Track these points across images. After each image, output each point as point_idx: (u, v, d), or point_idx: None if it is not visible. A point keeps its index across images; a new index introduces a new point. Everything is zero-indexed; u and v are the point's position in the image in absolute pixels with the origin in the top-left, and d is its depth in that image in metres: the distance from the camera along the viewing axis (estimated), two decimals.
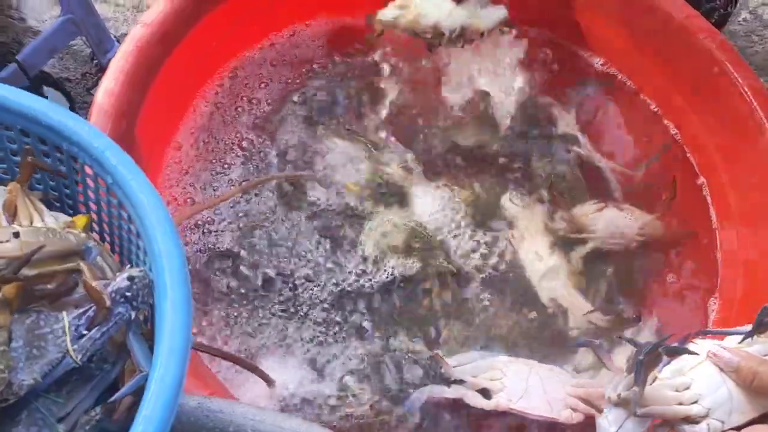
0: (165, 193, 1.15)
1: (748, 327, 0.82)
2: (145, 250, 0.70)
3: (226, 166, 1.20)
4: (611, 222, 1.16)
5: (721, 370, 0.81)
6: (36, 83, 1.50)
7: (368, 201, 1.17)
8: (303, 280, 1.10)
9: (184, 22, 1.18)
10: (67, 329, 0.66)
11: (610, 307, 1.13)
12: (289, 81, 1.30)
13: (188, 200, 1.16)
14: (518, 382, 0.99)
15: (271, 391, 0.99)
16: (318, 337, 1.06)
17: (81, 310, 0.68)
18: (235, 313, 1.07)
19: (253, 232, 1.14)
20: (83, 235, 0.73)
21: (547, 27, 1.37)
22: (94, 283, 0.67)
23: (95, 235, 0.82)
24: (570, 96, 1.33)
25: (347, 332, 1.07)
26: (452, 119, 1.29)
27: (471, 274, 1.13)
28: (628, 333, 1.10)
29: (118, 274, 0.69)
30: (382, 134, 1.26)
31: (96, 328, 0.67)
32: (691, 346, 0.83)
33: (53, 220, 0.77)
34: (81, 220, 0.76)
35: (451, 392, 1.00)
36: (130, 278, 0.67)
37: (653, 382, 0.82)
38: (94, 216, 0.82)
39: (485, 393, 1.00)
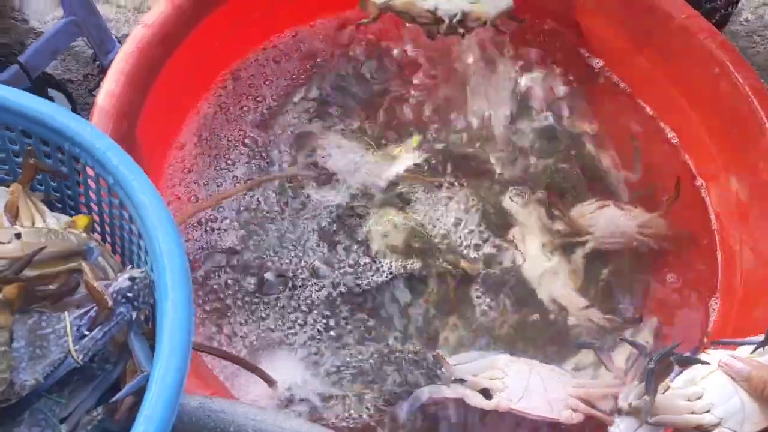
0: (168, 192, 1.16)
1: (761, 337, 0.83)
2: (146, 251, 0.70)
3: (230, 162, 1.21)
4: (611, 221, 1.16)
5: (733, 379, 0.81)
6: (38, 85, 1.50)
7: (369, 200, 1.18)
8: (304, 280, 1.10)
9: (185, 24, 1.18)
10: (68, 329, 0.67)
11: (610, 306, 1.13)
12: (293, 78, 1.31)
13: (192, 197, 1.16)
14: (519, 382, 0.99)
15: (272, 392, 1.00)
16: (319, 336, 1.06)
17: (82, 311, 0.68)
18: (236, 313, 1.07)
19: (255, 230, 1.14)
20: (84, 235, 0.74)
21: (553, 24, 1.37)
22: (95, 284, 0.67)
23: (97, 236, 0.82)
24: (571, 95, 1.33)
25: (348, 332, 1.07)
26: (454, 120, 1.29)
27: (471, 273, 1.13)
28: (628, 333, 1.09)
29: (119, 274, 0.69)
30: (385, 133, 1.26)
31: (98, 328, 0.67)
32: (702, 356, 0.84)
33: (55, 220, 0.77)
34: (82, 220, 0.77)
35: (451, 392, 1.00)
36: (132, 278, 0.68)
37: (665, 391, 0.82)
38: (96, 217, 0.82)
39: (486, 393, 1.00)
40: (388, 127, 1.27)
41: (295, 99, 1.28)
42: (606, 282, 1.15)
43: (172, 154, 1.19)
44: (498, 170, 1.24)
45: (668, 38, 1.25)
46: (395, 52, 1.34)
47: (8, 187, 0.79)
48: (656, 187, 1.24)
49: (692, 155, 1.27)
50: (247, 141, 1.23)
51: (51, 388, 0.68)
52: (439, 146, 1.25)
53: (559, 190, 1.22)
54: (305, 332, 1.06)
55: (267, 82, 1.29)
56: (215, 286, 1.09)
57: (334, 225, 1.15)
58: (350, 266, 1.12)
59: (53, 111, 0.75)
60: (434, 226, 1.17)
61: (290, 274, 1.10)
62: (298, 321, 1.07)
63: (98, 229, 0.84)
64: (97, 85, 1.05)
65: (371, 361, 1.05)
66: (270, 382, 0.99)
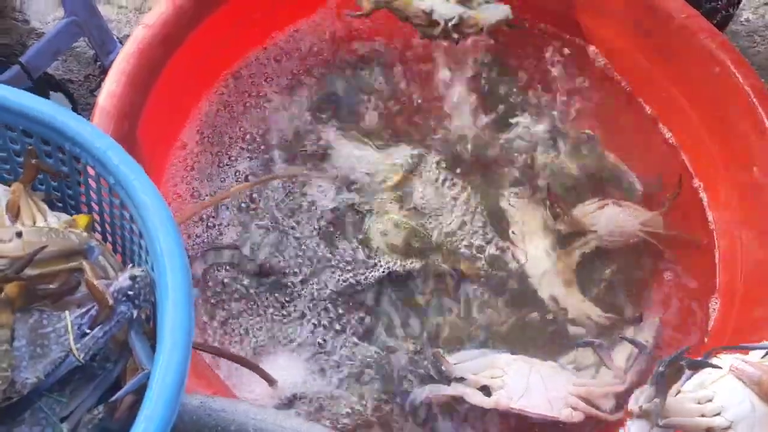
0: (170, 191, 1.16)
1: None
2: (147, 250, 0.71)
3: (232, 159, 1.21)
4: (612, 219, 1.16)
5: (744, 383, 0.82)
6: (39, 85, 1.50)
7: (370, 199, 1.18)
8: (304, 278, 1.10)
9: (186, 24, 1.18)
10: (69, 328, 0.67)
11: (611, 305, 1.13)
12: (294, 76, 1.31)
13: (194, 194, 1.17)
14: (519, 381, 1.00)
15: (272, 391, 1.00)
16: (319, 336, 1.07)
17: (83, 309, 0.68)
18: (237, 312, 1.08)
19: (255, 228, 1.14)
20: (85, 234, 0.74)
21: (551, 23, 1.37)
22: (96, 282, 0.67)
23: (97, 236, 0.82)
24: (571, 95, 1.33)
25: (348, 331, 1.07)
26: (453, 119, 1.29)
27: (471, 272, 1.13)
28: (628, 332, 1.09)
29: (120, 273, 0.69)
30: (385, 132, 1.26)
31: (98, 326, 0.67)
32: (714, 360, 0.85)
33: (56, 220, 0.78)
34: (83, 219, 0.77)
35: (451, 390, 1.01)
36: (132, 277, 0.68)
37: (676, 395, 0.83)
38: (97, 216, 0.82)
39: (486, 391, 1.00)
40: (389, 126, 1.27)
41: (296, 97, 1.28)
42: (607, 281, 1.16)
43: (173, 153, 1.20)
44: (498, 170, 1.23)
45: (668, 38, 1.25)
46: (395, 50, 1.34)
47: (9, 186, 0.79)
48: (656, 186, 1.24)
49: (692, 154, 1.27)
50: (248, 137, 1.23)
51: (52, 387, 0.69)
52: (441, 145, 1.25)
53: (559, 189, 1.22)
54: (305, 331, 1.07)
55: (268, 80, 1.30)
56: (215, 284, 1.10)
57: (334, 223, 1.16)
58: (350, 265, 1.12)
59: (54, 111, 0.75)
60: (434, 226, 1.17)
61: (290, 273, 1.10)
62: (298, 319, 1.07)
63: (99, 229, 0.84)
64: (99, 86, 1.05)
65: (371, 359, 1.05)
66: (270, 381, 0.99)
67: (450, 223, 1.17)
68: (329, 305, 1.09)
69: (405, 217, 1.17)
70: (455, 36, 1.14)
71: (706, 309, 1.15)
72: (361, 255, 1.13)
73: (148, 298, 0.69)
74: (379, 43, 1.33)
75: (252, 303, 1.09)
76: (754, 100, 1.15)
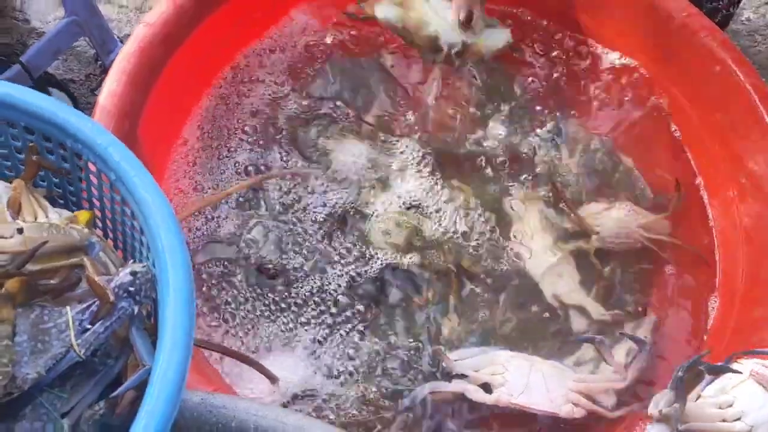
0: (172, 186, 1.16)
1: None
2: (148, 246, 0.71)
3: (231, 150, 1.21)
4: (617, 222, 1.16)
5: (765, 388, 0.82)
6: (40, 84, 1.50)
7: (371, 197, 1.18)
8: (305, 275, 1.10)
9: (186, 23, 1.18)
10: (70, 324, 0.67)
11: (612, 303, 1.13)
12: (292, 71, 1.30)
13: (197, 187, 1.17)
14: (519, 377, 1.00)
15: (273, 388, 1.00)
16: (320, 333, 1.07)
17: (84, 305, 0.68)
18: (236, 307, 1.08)
19: (255, 225, 1.14)
20: (86, 230, 0.74)
21: (555, 22, 1.38)
22: (97, 278, 0.67)
23: (99, 232, 0.82)
24: (572, 95, 1.33)
25: (350, 328, 1.07)
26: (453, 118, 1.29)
27: (473, 270, 1.13)
28: (628, 328, 1.09)
29: (120, 269, 0.69)
30: (385, 128, 1.26)
31: (99, 322, 0.67)
32: (734, 366, 0.85)
33: (57, 216, 0.78)
34: (83, 215, 0.77)
35: (452, 387, 1.01)
36: (133, 273, 0.68)
37: (697, 400, 0.83)
38: (98, 213, 0.82)
39: (486, 388, 1.01)
40: (389, 125, 1.27)
41: (295, 93, 1.28)
42: (608, 280, 1.16)
43: (175, 150, 1.20)
44: (502, 168, 1.24)
45: (670, 36, 1.25)
46: (395, 48, 1.34)
47: (11, 182, 0.79)
48: (659, 188, 1.24)
49: (692, 154, 1.27)
50: (247, 128, 1.23)
51: (53, 382, 0.69)
52: (442, 143, 1.25)
53: (563, 188, 1.21)
54: (306, 328, 1.07)
55: (266, 74, 1.29)
56: (214, 279, 1.10)
57: (335, 221, 1.16)
58: (351, 263, 1.12)
59: (56, 107, 0.75)
60: (436, 224, 1.17)
61: (290, 269, 1.11)
62: (299, 316, 1.07)
63: (100, 225, 0.84)
64: (100, 85, 1.05)
65: (373, 356, 1.05)
66: (272, 378, 0.99)
67: (451, 222, 1.17)
68: (330, 302, 1.09)
69: (407, 216, 1.17)
70: (456, 62, 1.13)
71: (706, 308, 1.15)
72: (362, 253, 1.13)
73: (149, 294, 0.69)
74: (380, 38, 1.33)
75: (252, 299, 1.09)
76: (755, 99, 1.15)
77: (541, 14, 1.37)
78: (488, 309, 1.11)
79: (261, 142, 1.22)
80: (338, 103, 1.28)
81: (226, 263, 1.11)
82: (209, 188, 1.17)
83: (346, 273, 1.11)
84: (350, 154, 1.21)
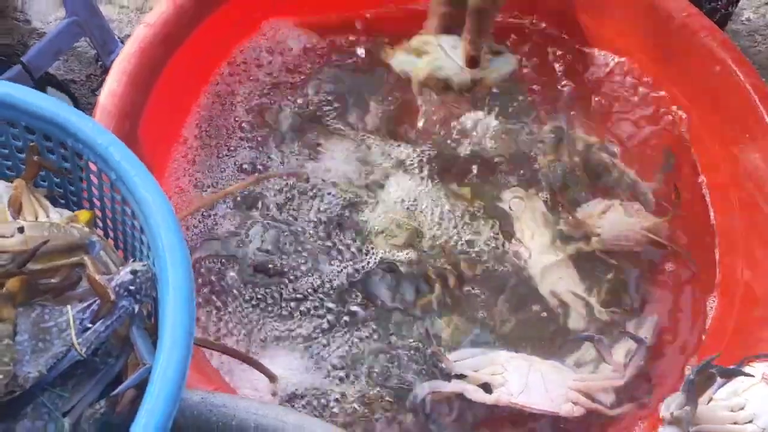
0: (172, 185, 1.16)
1: None
2: (148, 245, 0.71)
3: (231, 149, 1.22)
4: (616, 224, 1.16)
5: None
6: (41, 85, 1.51)
7: (371, 197, 1.18)
8: (303, 274, 1.10)
9: (186, 23, 1.19)
10: (71, 323, 0.67)
11: (611, 303, 1.13)
12: (291, 71, 1.31)
13: (198, 185, 1.17)
14: (519, 377, 1.00)
15: (273, 387, 1.00)
16: (320, 332, 1.07)
17: (85, 304, 0.68)
18: (235, 306, 1.08)
19: (253, 222, 1.14)
20: (87, 229, 0.74)
21: (554, 22, 1.38)
22: (98, 277, 0.67)
23: (99, 231, 0.82)
24: (573, 95, 1.34)
25: (349, 328, 1.08)
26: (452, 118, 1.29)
27: (472, 270, 1.14)
28: (630, 328, 1.10)
29: (121, 268, 0.70)
30: (383, 129, 1.26)
31: (100, 321, 0.67)
32: (746, 369, 0.85)
33: (58, 215, 0.78)
34: (84, 215, 0.77)
35: (452, 387, 1.01)
36: (134, 272, 0.68)
37: (709, 402, 0.83)
38: (98, 212, 0.83)
39: (486, 388, 1.01)
40: (388, 126, 1.27)
41: (294, 94, 1.28)
42: (608, 280, 1.16)
43: (175, 149, 1.20)
44: (499, 167, 1.24)
45: (669, 37, 1.25)
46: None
47: (12, 182, 0.80)
48: (660, 190, 1.24)
49: (693, 154, 1.27)
50: (244, 126, 1.24)
51: (54, 381, 0.69)
52: (440, 145, 1.25)
53: (562, 190, 1.22)
54: (305, 328, 1.07)
55: (265, 74, 1.29)
56: (212, 277, 1.10)
57: (334, 221, 1.16)
58: (350, 262, 1.12)
59: (56, 107, 0.76)
60: (436, 226, 1.17)
61: (289, 268, 1.11)
62: (298, 315, 1.08)
63: (100, 225, 0.84)
64: (100, 86, 1.05)
65: (372, 356, 1.06)
66: (271, 377, 0.99)
67: (451, 223, 1.17)
68: (329, 302, 1.09)
69: (406, 217, 1.17)
70: (465, 95, 1.12)
71: (704, 308, 1.15)
72: (361, 252, 1.13)
73: (149, 293, 0.69)
74: (380, 40, 1.33)
75: (250, 298, 1.09)
76: (755, 99, 1.15)
77: (540, 15, 1.37)
78: (487, 309, 1.12)
79: (259, 140, 1.23)
80: (336, 104, 1.28)
81: (223, 261, 1.11)
82: (209, 186, 1.17)
83: (345, 272, 1.11)
84: (350, 154, 1.22)
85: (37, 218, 0.76)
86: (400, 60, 1.09)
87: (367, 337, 1.07)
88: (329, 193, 1.18)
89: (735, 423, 0.82)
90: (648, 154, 1.28)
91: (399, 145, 1.24)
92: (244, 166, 1.20)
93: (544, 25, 1.38)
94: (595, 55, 1.36)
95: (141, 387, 0.63)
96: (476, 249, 1.15)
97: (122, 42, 1.61)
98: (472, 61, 1.03)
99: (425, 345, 1.06)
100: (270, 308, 1.08)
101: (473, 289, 1.13)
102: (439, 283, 1.12)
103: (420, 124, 1.24)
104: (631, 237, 1.16)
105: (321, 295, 1.09)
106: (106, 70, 1.58)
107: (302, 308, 1.08)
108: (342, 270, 1.11)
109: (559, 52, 1.37)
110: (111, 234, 0.84)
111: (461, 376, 1.02)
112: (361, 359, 1.05)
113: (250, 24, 1.31)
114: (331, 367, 1.04)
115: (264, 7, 1.31)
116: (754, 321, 1.07)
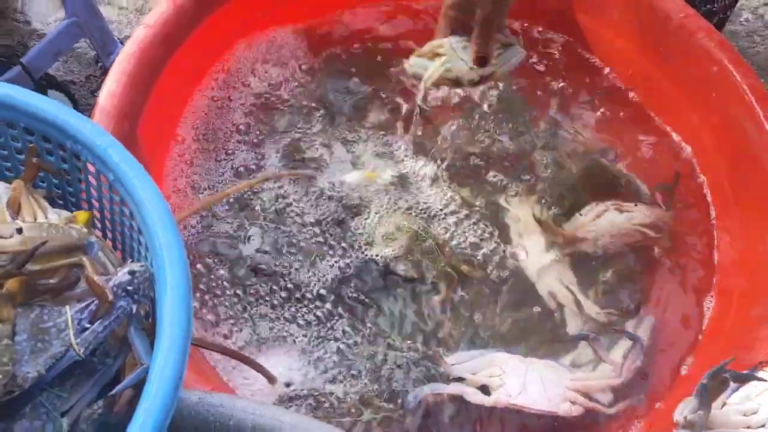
0: (170, 186, 1.16)
1: None
2: (146, 246, 0.71)
3: (228, 151, 1.22)
4: (611, 226, 1.16)
5: None
6: (41, 86, 1.51)
7: (371, 199, 1.18)
8: (302, 275, 1.11)
9: (186, 23, 1.19)
10: (70, 323, 0.67)
11: (609, 303, 1.13)
12: (290, 71, 1.31)
13: (195, 186, 1.17)
14: (517, 378, 1.00)
15: (271, 387, 1.00)
16: (318, 333, 1.07)
17: (83, 304, 0.69)
18: (233, 306, 1.08)
19: (252, 224, 1.15)
20: (85, 230, 0.74)
21: (553, 23, 1.38)
22: (96, 278, 0.68)
23: (97, 232, 0.83)
24: (571, 96, 1.34)
25: (348, 329, 1.08)
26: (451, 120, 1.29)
27: (470, 272, 1.14)
28: (628, 327, 1.10)
29: (119, 268, 0.70)
30: (379, 133, 1.26)
31: (98, 321, 0.68)
32: (760, 373, 0.85)
33: (56, 216, 0.78)
34: (82, 215, 0.78)
35: (450, 389, 1.01)
36: (131, 272, 0.68)
37: (722, 407, 0.84)
38: (97, 213, 0.83)
39: (484, 390, 1.01)
40: (388, 127, 1.27)
41: (294, 94, 1.29)
42: (605, 279, 1.16)
43: (173, 150, 1.20)
44: (497, 169, 1.24)
45: (666, 37, 1.25)
46: (397, 49, 1.34)
47: (10, 183, 0.80)
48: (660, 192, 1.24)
49: (693, 153, 1.27)
50: (242, 128, 1.24)
51: (53, 381, 0.69)
52: (439, 148, 1.26)
53: (558, 191, 1.22)
54: (304, 328, 1.07)
55: (264, 74, 1.30)
56: (209, 277, 1.10)
57: (333, 222, 1.16)
58: (349, 264, 1.12)
59: (55, 109, 0.76)
60: (436, 228, 1.17)
61: (287, 269, 1.11)
62: (296, 316, 1.08)
63: (99, 225, 0.85)
64: (100, 86, 1.06)
65: (371, 358, 1.06)
66: (269, 377, 0.99)
67: (451, 225, 1.17)
68: (327, 303, 1.09)
69: (407, 220, 1.17)
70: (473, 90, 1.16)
71: (702, 307, 1.15)
72: (360, 255, 1.13)
73: (147, 294, 0.69)
74: (383, 44, 1.34)
75: (248, 299, 1.09)
76: (753, 99, 1.15)
77: (540, 16, 1.37)
78: (485, 310, 1.12)
79: (256, 143, 1.23)
80: (335, 106, 1.28)
81: (221, 263, 1.11)
82: (206, 188, 1.18)
83: (344, 274, 1.11)
84: (349, 156, 1.22)
85: (35, 219, 0.76)
86: (413, 63, 1.12)
87: (365, 338, 1.07)
88: (329, 196, 1.18)
89: (748, 427, 0.83)
90: (647, 155, 1.29)
91: (398, 148, 1.24)
92: (241, 168, 1.20)
93: (542, 26, 1.38)
94: (593, 56, 1.36)
95: (139, 387, 0.63)
96: (474, 250, 1.16)
97: (122, 43, 1.61)
98: (481, 62, 1.07)
99: (424, 347, 1.07)
100: (268, 309, 1.08)
101: (472, 290, 1.13)
102: (439, 284, 1.12)
103: (418, 130, 1.25)
104: (626, 236, 1.16)
105: (320, 297, 1.09)
106: (105, 71, 1.58)
107: (300, 310, 1.08)
108: (341, 272, 1.12)
109: (557, 53, 1.37)
110: (109, 234, 0.85)
111: (460, 379, 1.02)
112: (359, 360, 1.05)
113: (249, 25, 1.31)
114: (330, 368, 1.04)
115: (263, 9, 1.31)
116: (752, 320, 1.07)
